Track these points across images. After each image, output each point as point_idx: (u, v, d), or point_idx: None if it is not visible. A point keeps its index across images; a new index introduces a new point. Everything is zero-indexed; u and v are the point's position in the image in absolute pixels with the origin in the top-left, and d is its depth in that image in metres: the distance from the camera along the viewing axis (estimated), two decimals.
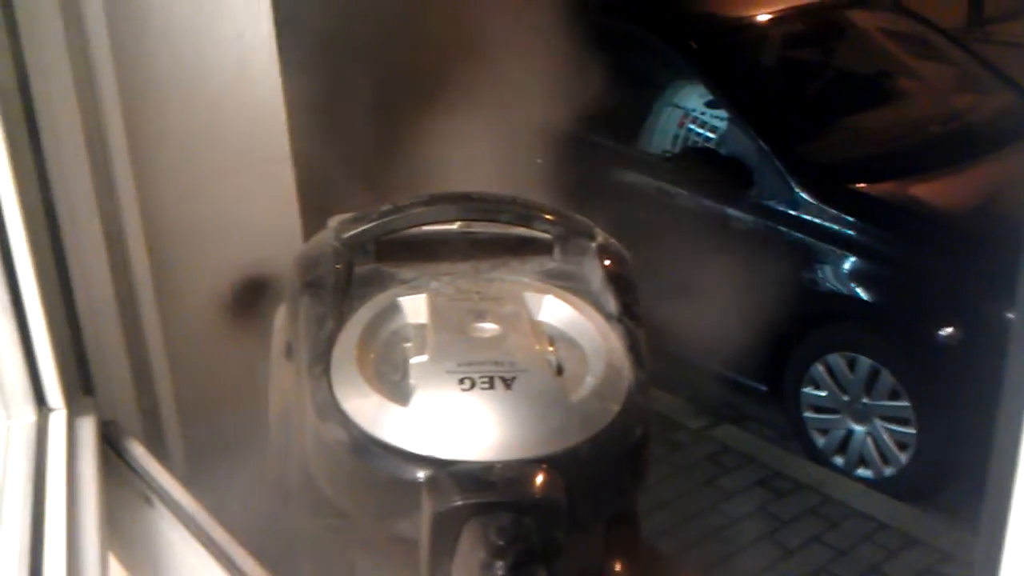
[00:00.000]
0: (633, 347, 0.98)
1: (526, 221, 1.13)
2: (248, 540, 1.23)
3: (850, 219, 3.66)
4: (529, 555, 0.79)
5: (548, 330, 0.98)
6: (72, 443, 1.27)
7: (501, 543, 0.79)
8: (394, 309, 1.00)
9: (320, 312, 1.00)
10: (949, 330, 3.31)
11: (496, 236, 1.15)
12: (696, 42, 4.34)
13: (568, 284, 1.06)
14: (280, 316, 1.19)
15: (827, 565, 3.26)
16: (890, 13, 4.91)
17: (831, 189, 3.78)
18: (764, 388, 3.92)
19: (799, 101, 4.43)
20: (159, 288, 1.61)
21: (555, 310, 1.01)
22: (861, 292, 3.62)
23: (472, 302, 0.99)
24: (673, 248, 3.53)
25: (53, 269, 1.42)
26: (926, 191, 3.87)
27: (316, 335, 0.98)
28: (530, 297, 1.01)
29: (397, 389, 0.90)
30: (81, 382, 1.48)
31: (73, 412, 1.32)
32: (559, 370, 0.93)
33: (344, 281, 1.04)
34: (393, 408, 0.88)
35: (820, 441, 3.76)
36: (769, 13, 4.50)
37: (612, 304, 1.02)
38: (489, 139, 2.67)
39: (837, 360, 3.65)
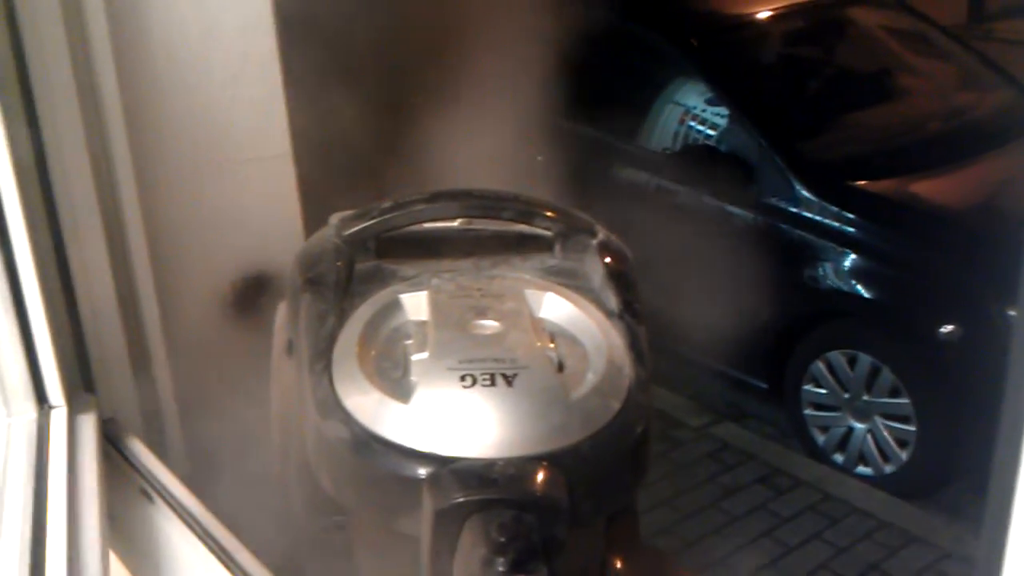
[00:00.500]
0: (634, 344, 0.98)
1: (527, 218, 1.13)
2: (248, 537, 1.23)
3: (851, 216, 3.66)
4: (530, 552, 0.79)
5: (549, 327, 0.98)
6: (73, 440, 1.27)
7: (502, 540, 0.79)
8: (395, 306, 1.00)
9: (321, 309, 1.00)
10: (950, 328, 3.31)
11: (497, 233, 1.14)
12: (697, 39, 4.34)
13: (569, 281, 1.05)
14: (281, 313, 1.18)
15: (827, 563, 3.26)
16: (891, 10, 4.91)
17: (832, 186, 3.77)
18: (765, 385, 3.92)
19: (800, 98, 4.43)
20: (160, 285, 1.61)
21: (556, 307, 1.00)
22: (862, 289, 3.61)
23: (473, 299, 0.99)
24: (674, 245, 3.53)
25: (54, 267, 1.42)
26: (927, 188, 3.87)
27: (317, 332, 0.97)
28: (531, 294, 1.01)
29: (398, 386, 0.90)
30: (82, 380, 1.48)
31: (74, 409, 1.33)
32: (560, 367, 0.93)
33: (345, 278, 1.04)
34: (394, 405, 0.88)
35: (820, 438, 3.76)
36: (770, 10, 4.49)
37: (613, 301, 1.02)
38: (491, 136, 2.67)
39: (838, 357, 3.65)
